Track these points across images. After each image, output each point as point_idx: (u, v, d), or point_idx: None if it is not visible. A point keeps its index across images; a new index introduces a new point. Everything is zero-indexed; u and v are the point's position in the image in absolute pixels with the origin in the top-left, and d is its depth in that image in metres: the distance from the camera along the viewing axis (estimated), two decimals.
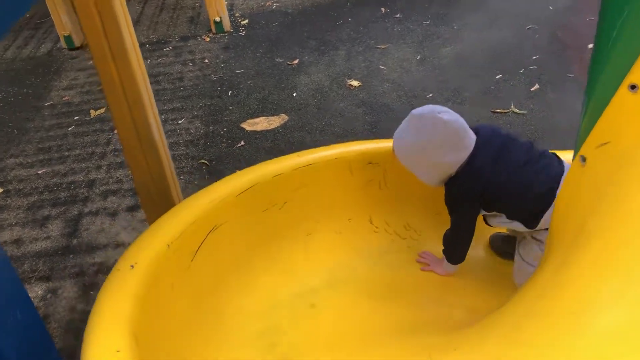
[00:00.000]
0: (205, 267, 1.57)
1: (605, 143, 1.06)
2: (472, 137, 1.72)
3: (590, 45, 3.94)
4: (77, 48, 4.86)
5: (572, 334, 1.01)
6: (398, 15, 4.81)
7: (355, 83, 3.88)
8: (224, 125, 3.61)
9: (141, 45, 4.83)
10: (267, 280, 1.75)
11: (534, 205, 1.63)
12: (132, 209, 2.96)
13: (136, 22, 5.25)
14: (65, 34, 4.79)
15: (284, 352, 1.51)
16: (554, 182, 1.58)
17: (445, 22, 4.61)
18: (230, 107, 3.79)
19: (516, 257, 1.80)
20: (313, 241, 1.98)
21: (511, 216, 1.71)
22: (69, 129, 3.75)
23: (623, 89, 1.00)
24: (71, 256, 2.69)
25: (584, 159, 1.12)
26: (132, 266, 1.34)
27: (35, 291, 2.51)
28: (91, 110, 3.92)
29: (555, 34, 4.22)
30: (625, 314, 0.97)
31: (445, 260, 1.92)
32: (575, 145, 1.18)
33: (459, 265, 1.91)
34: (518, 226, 1.71)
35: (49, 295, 2.48)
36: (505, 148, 1.70)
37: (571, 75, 3.70)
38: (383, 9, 4.96)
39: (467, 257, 1.89)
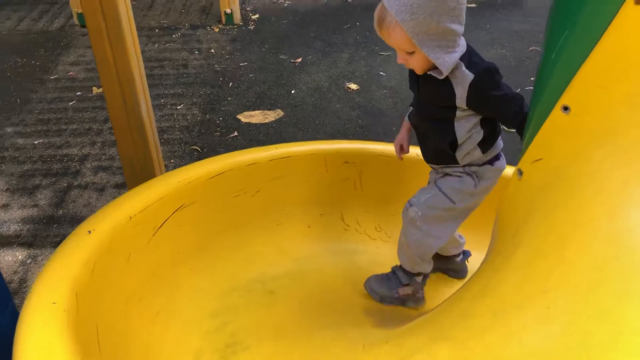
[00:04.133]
0: (166, 244, 1.64)
1: (539, 159, 1.12)
2: None
3: None
4: None
5: (489, 331, 1.08)
6: None
7: (353, 86, 3.95)
8: (221, 114, 3.68)
9: (151, 29, 4.92)
10: (229, 264, 1.81)
11: None
12: (120, 186, 3.04)
13: (150, 6, 5.35)
14: (78, 11, 4.89)
15: (232, 332, 1.57)
16: None
17: None
18: (229, 98, 3.87)
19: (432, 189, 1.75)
20: (282, 232, 2.04)
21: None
22: (70, 103, 3.84)
23: (557, 110, 1.07)
24: (55, 226, 2.76)
25: (521, 173, 1.18)
26: (90, 232, 1.42)
27: (16, 255, 2.59)
28: (93, 88, 4.01)
29: None
30: (536, 319, 1.04)
31: None
32: (517, 160, 1.25)
33: None
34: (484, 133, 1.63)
35: (29, 261, 2.56)
36: None
37: None
38: None
39: None
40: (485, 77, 1.54)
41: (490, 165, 1.69)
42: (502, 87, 1.56)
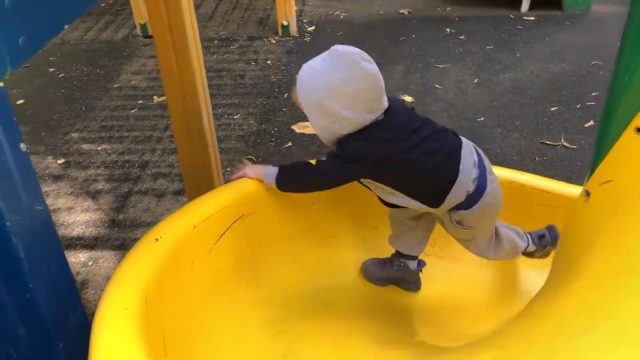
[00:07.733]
0: (226, 253, 1.68)
1: (609, 181, 1.10)
2: (385, 104, 1.56)
3: None
4: (151, 36, 5.12)
5: (551, 356, 1.06)
6: (462, 37, 4.84)
7: (408, 99, 3.94)
8: (276, 125, 3.74)
9: (210, 40, 5.05)
10: (286, 274, 1.84)
11: (440, 181, 1.54)
12: (178, 193, 3.12)
13: (209, 18, 5.49)
14: (141, 22, 5.07)
15: (290, 341, 1.59)
16: (457, 156, 1.54)
17: (509, 48, 4.60)
18: (284, 109, 3.92)
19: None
20: (337, 244, 2.06)
21: (411, 194, 1.59)
22: (132, 111, 3.98)
23: (629, 131, 1.04)
24: (115, 229, 2.86)
25: (588, 194, 1.15)
26: (157, 240, 1.47)
27: (79, 257, 2.69)
28: (154, 96, 4.14)
29: None
30: (603, 345, 1.01)
31: (272, 173, 1.71)
32: (585, 180, 1.22)
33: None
34: (417, 205, 1.60)
35: (90, 263, 2.66)
36: (413, 121, 1.58)
37: None
38: (448, 29, 4.99)
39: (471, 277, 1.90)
40: (346, 148, 1.62)
41: (465, 211, 1.59)
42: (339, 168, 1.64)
